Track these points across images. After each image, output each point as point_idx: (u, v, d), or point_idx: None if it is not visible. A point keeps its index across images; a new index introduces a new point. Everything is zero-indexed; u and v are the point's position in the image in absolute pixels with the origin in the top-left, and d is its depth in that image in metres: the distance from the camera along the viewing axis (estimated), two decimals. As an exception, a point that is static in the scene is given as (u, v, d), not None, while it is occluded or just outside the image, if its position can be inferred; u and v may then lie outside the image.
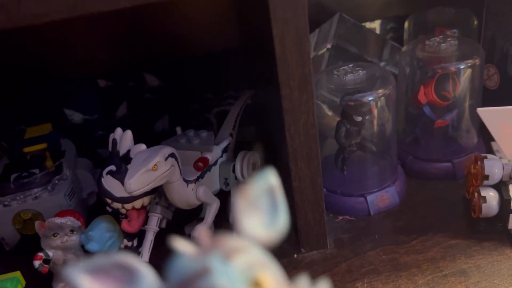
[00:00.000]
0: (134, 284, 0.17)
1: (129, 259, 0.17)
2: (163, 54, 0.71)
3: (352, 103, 0.53)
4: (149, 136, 0.55)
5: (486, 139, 0.60)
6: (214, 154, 0.54)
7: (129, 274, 0.17)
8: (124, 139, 0.49)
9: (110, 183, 0.49)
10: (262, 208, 0.19)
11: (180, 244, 0.17)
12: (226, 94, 0.75)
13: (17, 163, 0.61)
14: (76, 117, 0.72)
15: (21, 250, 0.58)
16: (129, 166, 0.46)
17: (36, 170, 0.58)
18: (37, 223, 0.50)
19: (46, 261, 0.50)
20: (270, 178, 0.19)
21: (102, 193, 0.50)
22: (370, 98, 0.53)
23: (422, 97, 0.57)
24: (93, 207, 0.63)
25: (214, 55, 0.72)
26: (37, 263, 0.49)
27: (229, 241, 0.17)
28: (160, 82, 0.73)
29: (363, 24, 0.72)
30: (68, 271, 0.17)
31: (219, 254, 0.16)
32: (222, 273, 0.16)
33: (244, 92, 0.64)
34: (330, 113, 0.58)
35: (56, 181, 0.58)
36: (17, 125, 0.70)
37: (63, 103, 0.71)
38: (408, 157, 0.62)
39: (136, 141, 0.50)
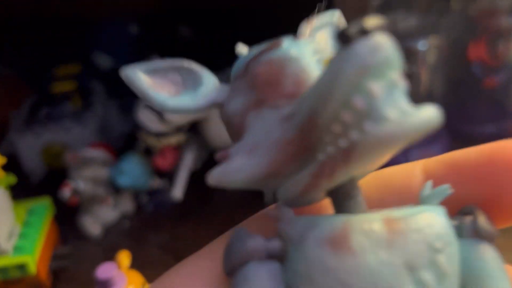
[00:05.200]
0: (194, 85, 0.16)
1: (187, 62, 0.16)
2: (198, 5, 0.69)
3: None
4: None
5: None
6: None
7: (188, 77, 0.16)
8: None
9: (147, 117, 0.48)
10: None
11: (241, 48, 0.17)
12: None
13: (46, 101, 0.60)
14: (106, 63, 0.70)
15: (47, 185, 0.56)
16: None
17: (66, 106, 0.57)
18: (68, 154, 0.48)
19: (75, 192, 0.48)
20: (334, 13, 0.18)
21: (138, 127, 0.48)
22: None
23: (472, 55, 0.55)
24: (122, 149, 0.61)
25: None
26: (66, 191, 0.46)
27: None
28: (194, 34, 0.71)
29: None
30: (125, 71, 0.16)
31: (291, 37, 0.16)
32: (293, 45, 0.15)
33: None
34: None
35: (87, 116, 0.56)
36: (46, 68, 0.69)
37: (94, 48, 0.69)
38: (452, 119, 0.59)
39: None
